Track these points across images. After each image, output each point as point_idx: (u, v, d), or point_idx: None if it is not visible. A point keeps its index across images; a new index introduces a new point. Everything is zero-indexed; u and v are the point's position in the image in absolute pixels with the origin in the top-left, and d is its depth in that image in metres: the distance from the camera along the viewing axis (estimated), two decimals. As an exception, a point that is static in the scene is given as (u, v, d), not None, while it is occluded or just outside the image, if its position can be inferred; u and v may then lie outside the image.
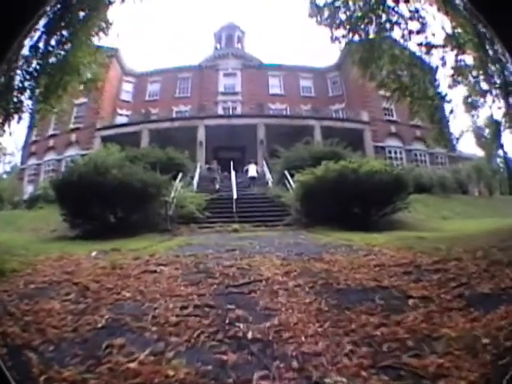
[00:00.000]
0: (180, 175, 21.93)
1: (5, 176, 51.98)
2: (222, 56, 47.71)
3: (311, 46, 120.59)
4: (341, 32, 12.79)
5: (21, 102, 10.88)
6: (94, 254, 9.17)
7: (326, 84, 46.90)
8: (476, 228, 12.98)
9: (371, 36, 12.80)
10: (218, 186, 24.71)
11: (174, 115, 41.51)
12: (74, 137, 40.17)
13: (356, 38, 13.01)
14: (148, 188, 16.14)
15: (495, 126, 21.97)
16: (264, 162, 30.30)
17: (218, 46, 49.85)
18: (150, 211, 16.93)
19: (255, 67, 46.64)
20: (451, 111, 13.49)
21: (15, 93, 10.53)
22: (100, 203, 15.52)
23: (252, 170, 27.07)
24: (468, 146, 55.81)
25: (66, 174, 17.76)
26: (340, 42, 13.08)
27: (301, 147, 25.66)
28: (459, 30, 11.60)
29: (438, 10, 11.40)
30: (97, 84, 13.21)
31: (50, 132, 40.99)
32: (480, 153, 37.40)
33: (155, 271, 6.66)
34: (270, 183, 24.83)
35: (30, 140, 41.99)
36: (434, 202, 23.18)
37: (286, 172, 21.95)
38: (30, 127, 40.31)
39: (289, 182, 20.82)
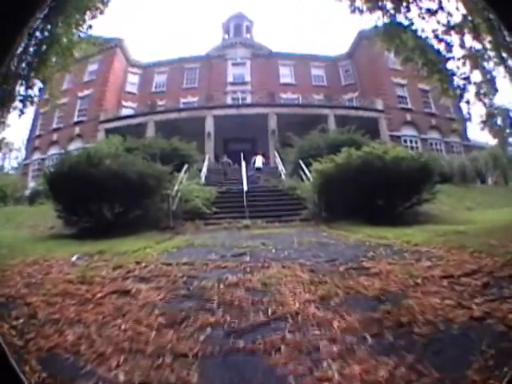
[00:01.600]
0: (185, 167, 20.08)
1: (12, 172, 50.53)
2: (230, 45, 46.07)
3: (321, 35, 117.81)
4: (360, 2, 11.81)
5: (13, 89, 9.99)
6: (74, 258, 8.02)
7: (338, 73, 45.12)
8: (504, 218, 12.02)
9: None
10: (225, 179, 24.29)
11: (182, 106, 40.01)
12: (77, 130, 38.65)
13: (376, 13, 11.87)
14: (146, 180, 14.25)
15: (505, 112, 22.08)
16: (276, 153, 28.51)
17: (227, 37, 48.21)
18: (150, 206, 15.14)
19: (265, 56, 44.83)
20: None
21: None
22: (94, 197, 13.78)
23: (258, 161, 26.94)
24: (479, 135, 53.66)
25: (56, 165, 16.00)
26: (360, 12, 11.87)
27: (316, 135, 23.95)
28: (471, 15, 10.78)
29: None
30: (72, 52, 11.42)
31: (54, 126, 39.90)
32: (491, 141, 35.44)
33: (129, 292, 4.99)
34: (282, 175, 23.00)
35: (33, 134, 41.01)
36: (456, 192, 21.58)
37: (301, 162, 20.04)
38: (34, 121, 40.08)
39: (304, 173, 18.89)
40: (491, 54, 10.99)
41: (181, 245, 9.87)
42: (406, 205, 14.85)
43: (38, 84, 10.93)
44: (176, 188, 16.34)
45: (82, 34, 11.34)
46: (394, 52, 12.67)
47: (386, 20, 11.84)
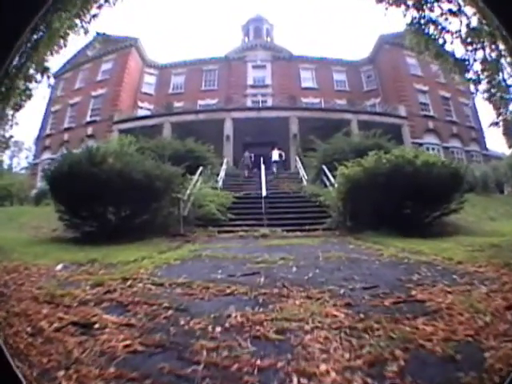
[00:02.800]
0: (200, 169, 18.81)
1: (23, 172, 49.98)
2: (250, 48, 44.38)
3: (341, 39, 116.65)
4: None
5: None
6: (59, 266, 7.26)
7: (360, 78, 43.58)
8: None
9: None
10: (247, 174, 25.59)
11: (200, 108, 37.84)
12: (90, 130, 37.20)
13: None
14: (154, 181, 13.00)
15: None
16: (297, 158, 26.90)
17: (246, 40, 46.94)
18: (158, 211, 13.78)
19: (285, 59, 43.05)
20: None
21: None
22: (97, 199, 12.59)
23: (275, 155, 27.15)
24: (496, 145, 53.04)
25: (57, 164, 14.58)
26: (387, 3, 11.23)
27: (340, 138, 22.75)
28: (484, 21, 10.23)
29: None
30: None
31: (65, 125, 39.20)
32: (507, 152, 34.59)
33: (92, 326, 3.68)
34: (304, 181, 21.49)
35: (43, 134, 40.36)
36: (479, 202, 20.42)
37: (324, 167, 18.63)
38: (44, 120, 39.41)
39: (327, 178, 17.55)
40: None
41: (186, 256, 8.58)
42: (435, 214, 13.70)
43: (37, 77, 10.08)
44: (188, 192, 15.10)
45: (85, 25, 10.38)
46: (423, 46, 11.83)
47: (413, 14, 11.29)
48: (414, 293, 4.62)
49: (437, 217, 13.70)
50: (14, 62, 8.10)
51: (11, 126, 10.26)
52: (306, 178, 21.70)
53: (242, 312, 3.91)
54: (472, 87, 11.64)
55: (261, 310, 4.02)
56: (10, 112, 9.94)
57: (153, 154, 16.33)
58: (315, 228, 14.05)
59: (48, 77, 10.26)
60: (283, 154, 28.27)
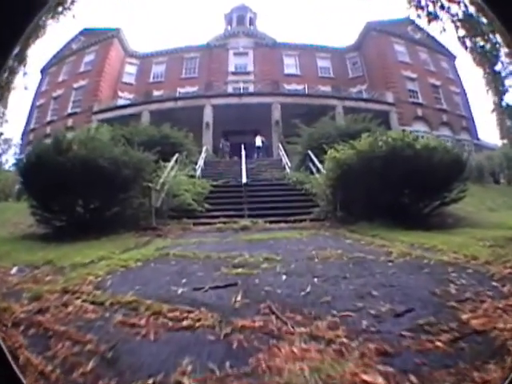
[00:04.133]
0: (176, 156, 17.14)
1: (13, 169, 48.62)
2: (232, 35, 42.47)
3: (326, 26, 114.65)
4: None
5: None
6: (14, 270, 6.51)
7: (345, 65, 41.66)
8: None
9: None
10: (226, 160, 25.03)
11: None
12: (70, 122, 35.22)
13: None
14: (122, 169, 11.47)
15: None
16: (280, 145, 25.20)
17: (229, 28, 44.99)
18: (127, 202, 12.32)
19: (268, 46, 41.40)
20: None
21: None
22: (64, 191, 11.00)
23: (258, 141, 27.30)
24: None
25: (27, 155, 13.40)
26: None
27: (327, 122, 20.99)
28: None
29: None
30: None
31: (48, 118, 37.79)
32: (499, 143, 33.91)
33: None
34: (287, 168, 19.88)
35: (28, 128, 38.95)
36: (476, 192, 18.77)
37: (310, 152, 17.11)
38: (30, 114, 38.15)
39: (313, 164, 16.02)
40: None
41: (151, 256, 7.00)
42: (434, 204, 12.12)
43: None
44: (162, 180, 13.40)
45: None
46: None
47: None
48: (464, 317, 3.11)
49: (436, 207, 12.26)
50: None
51: (1, 123, 10.11)
52: (290, 165, 20.14)
53: (202, 374, 2.22)
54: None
55: (234, 370, 2.31)
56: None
57: (123, 140, 14.50)
58: (301, 219, 12.42)
59: (24, 65, 9.96)
60: (265, 140, 27.81)
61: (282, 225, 11.78)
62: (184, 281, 4.76)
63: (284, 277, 4.78)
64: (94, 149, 11.84)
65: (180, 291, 4.23)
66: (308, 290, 4.10)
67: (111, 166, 11.20)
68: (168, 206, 13.31)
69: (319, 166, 14.82)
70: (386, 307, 3.37)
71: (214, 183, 16.22)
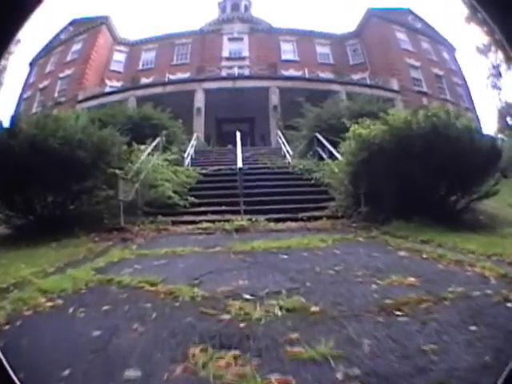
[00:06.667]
0: (157, 140, 14.34)
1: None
2: (226, 20, 39.69)
3: (325, 13, 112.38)
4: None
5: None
6: None
7: (346, 51, 39.22)
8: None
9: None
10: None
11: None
12: (54, 112, 32.44)
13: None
14: (75, 150, 8.69)
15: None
16: (279, 132, 22.37)
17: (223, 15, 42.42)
18: (85, 194, 9.62)
19: (264, 31, 38.90)
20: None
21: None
22: (17, 181, 8.71)
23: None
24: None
25: None
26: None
27: (336, 103, 18.82)
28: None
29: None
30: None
31: (33, 110, 34.66)
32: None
33: None
34: (288, 157, 16.97)
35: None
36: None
37: (319, 135, 14.26)
38: (17, 107, 35.99)
39: (323, 149, 13.36)
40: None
41: (85, 282, 4.36)
42: (472, 197, 9.67)
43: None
44: (135, 167, 10.46)
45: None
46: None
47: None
48: None
49: (471, 201, 9.76)
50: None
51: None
52: (291, 153, 17.18)
53: None
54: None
55: None
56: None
57: (98, 124, 11.37)
58: (314, 216, 9.54)
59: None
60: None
61: (291, 224, 8.97)
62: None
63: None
64: (45, 127, 9.15)
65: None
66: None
67: (63, 148, 8.54)
68: (144, 199, 10.46)
69: (332, 149, 12.06)
70: None
71: (203, 171, 13.42)
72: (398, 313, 2.96)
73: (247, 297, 3.29)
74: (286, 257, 5.22)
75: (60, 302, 3.67)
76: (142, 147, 12.02)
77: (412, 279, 3.81)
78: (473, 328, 2.56)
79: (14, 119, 9.76)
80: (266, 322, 2.67)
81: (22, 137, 8.86)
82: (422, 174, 8.45)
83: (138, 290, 3.86)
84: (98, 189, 9.59)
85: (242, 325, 2.66)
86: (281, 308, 2.94)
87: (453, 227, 7.58)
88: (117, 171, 9.30)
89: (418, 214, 8.17)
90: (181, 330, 2.64)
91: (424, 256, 5.29)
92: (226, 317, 2.85)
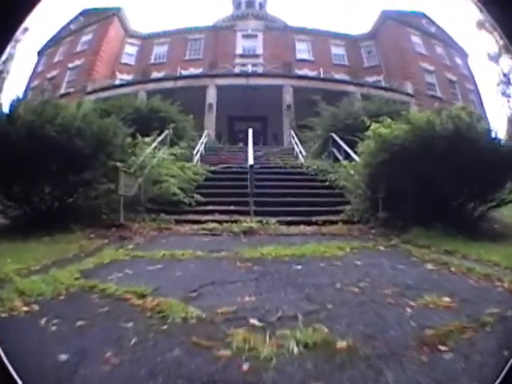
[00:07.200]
0: (165, 133, 13.92)
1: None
2: (240, 17, 39.30)
3: (340, 13, 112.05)
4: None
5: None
6: None
7: (360, 53, 38.68)
8: None
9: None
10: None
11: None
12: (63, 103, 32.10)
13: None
14: (73, 139, 8.19)
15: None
16: (292, 132, 22.01)
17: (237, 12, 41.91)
18: (83, 187, 9.09)
19: (279, 29, 38.22)
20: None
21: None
22: (15, 171, 8.30)
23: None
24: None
25: None
26: None
27: (352, 103, 18.58)
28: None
29: None
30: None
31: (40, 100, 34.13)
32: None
33: None
34: (301, 157, 16.48)
35: None
36: None
37: (334, 135, 13.74)
38: (24, 97, 35.57)
39: (339, 150, 12.93)
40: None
41: (65, 287, 3.99)
42: (490, 204, 9.23)
43: None
44: (140, 160, 10.02)
45: None
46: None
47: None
48: None
49: (488, 209, 9.30)
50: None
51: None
52: (304, 154, 16.78)
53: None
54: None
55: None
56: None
57: (105, 114, 11.25)
58: (330, 220, 8.97)
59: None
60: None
61: (304, 228, 8.38)
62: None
63: None
64: (43, 113, 8.66)
65: None
66: None
67: (61, 136, 8.05)
68: (147, 194, 9.94)
69: (348, 150, 11.59)
70: None
71: (212, 168, 12.92)
72: (442, 347, 2.38)
73: (254, 322, 2.72)
74: (300, 267, 4.64)
75: (36, 307, 3.41)
76: (147, 139, 11.50)
77: (447, 299, 3.45)
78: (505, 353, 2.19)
79: (14, 105, 9.20)
80: (277, 364, 2.05)
81: (19, 123, 8.43)
82: (445, 177, 8.01)
83: (122, 302, 3.37)
84: (98, 182, 9.07)
85: (245, 367, 2.05)
86: (297, 342, 2.32)
87: (472, 236, 7.29)
88: (118, 164, 8.79)
89: (437, 221, 7.77)
90: (164, 368, 2.08)
91: (452, 269, 4.94)
92: (225, 353, 2.26)
